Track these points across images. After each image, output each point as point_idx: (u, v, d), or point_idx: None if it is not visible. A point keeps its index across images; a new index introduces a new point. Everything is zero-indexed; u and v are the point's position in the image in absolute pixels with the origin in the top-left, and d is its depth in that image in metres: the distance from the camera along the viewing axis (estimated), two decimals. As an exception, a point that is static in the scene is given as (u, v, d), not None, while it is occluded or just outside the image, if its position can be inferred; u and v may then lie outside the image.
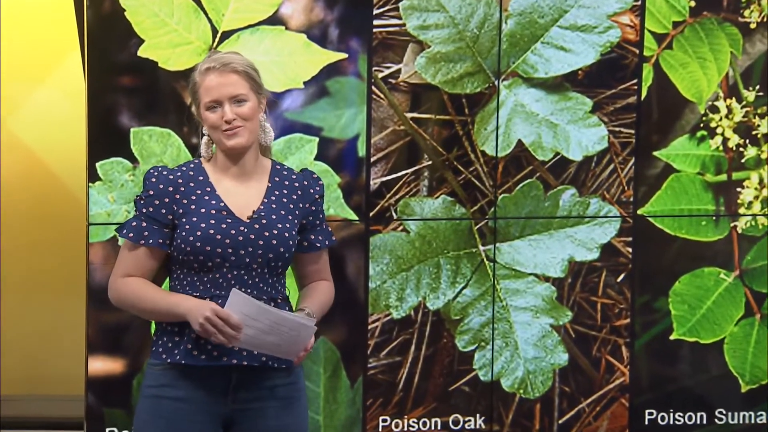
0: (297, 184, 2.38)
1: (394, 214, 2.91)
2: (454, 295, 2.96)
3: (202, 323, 2.16)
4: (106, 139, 2.76)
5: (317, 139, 2.84)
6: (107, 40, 2.73)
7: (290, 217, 2.33)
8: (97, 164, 2.76)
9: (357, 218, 2.89)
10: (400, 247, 2.92)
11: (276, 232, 2.29)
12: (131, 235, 2.29)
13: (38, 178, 3.92)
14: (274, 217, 2.30)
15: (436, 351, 2.97)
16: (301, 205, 2.37)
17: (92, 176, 2.76)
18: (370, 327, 2.93)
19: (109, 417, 2.83)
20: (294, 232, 2.33)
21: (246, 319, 2.15)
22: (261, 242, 2.27)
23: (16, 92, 3.88)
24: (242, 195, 2.32)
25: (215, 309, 2.16)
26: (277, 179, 2.37)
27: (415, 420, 2.98)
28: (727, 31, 2.98)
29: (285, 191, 2.36)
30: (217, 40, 2.76)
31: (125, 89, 2.76)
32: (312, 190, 2.40)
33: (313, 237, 2.40)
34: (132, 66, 2.74)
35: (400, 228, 2.92)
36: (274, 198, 2.33)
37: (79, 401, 2.92)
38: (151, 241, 2.28)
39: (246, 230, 2.27)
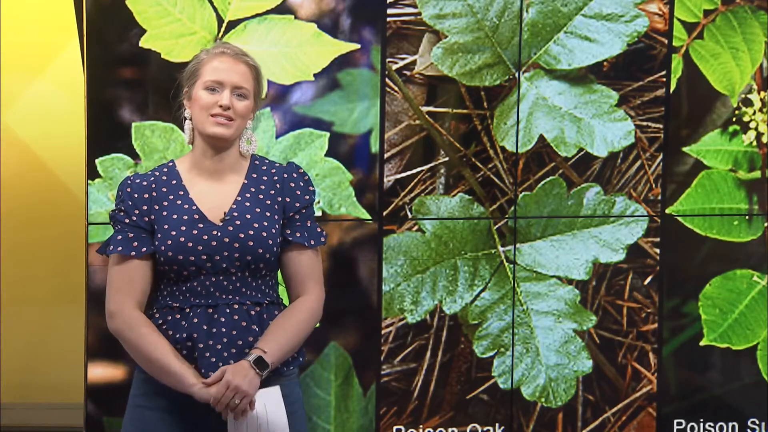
0: (276, 178, 2.28)
1: (408, 213, 2.87)
2: (471, 298, 2.92)
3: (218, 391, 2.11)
4: (106, 134, 2.74)
5: (328, 134, 2.81)
6: (107, 31, 2.71)
7: (268, 214, 2.24)
8: (97, 161, 2.73)
9: (370, 217, 2.85)
10: (415, 248, 2.87)
11: (252, 232, 2.20)
12: (120, 248, 2.19)
13: (35, 176, 3.93)
14: (248, 216, 2.21)
15: (453, 357, 2.93)
16: (279, 200, 2.26)
17: (92, 173, 2.73)
18: (383, 332, 2.90)
19: (109, 426, 2.80)
20: (274, 231, 2.23)
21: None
22: (236, 245, 2.19)
23: (11, 85, 3.89)
24: (216, 195, 2.23)
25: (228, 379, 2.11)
26: (255, 175, 2.28)
27: (431, 430, 2.95)
28: (761, 19, 2.96)
29: (262, 187, 2.26)
30: (222, 29, 2.74)
31: (126, 82, 2.73)
32: (292, 184, 2.28)
33: (289, 232, 2.26)
34: (133, 57, 2.71)
35: (415, 228, 2.88)
36: (249, 195, 2.24)
37: (78, 409, 2.91)
38: (144, 249, 2.19)
39: (219, 234, 2.19)
